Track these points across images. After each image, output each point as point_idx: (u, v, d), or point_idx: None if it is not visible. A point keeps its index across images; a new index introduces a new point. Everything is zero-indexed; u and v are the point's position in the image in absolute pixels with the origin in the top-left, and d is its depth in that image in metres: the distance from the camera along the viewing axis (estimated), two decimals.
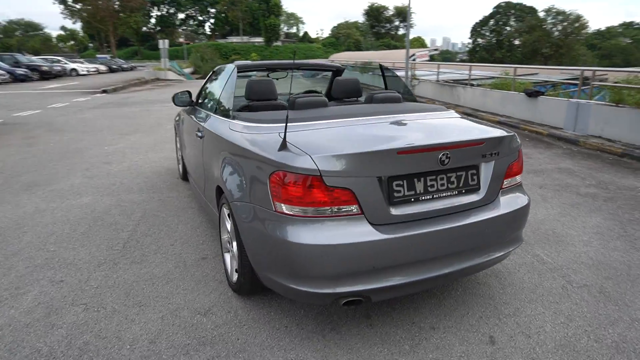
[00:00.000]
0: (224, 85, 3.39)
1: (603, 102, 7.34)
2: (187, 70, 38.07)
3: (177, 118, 5.11)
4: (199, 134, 3.45)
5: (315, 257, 2.03)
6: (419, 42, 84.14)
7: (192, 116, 4.00)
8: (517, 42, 52.39)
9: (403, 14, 75.61)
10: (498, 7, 54.01)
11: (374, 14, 78.86)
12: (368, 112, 2.75)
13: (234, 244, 2.66)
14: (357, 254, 2.05)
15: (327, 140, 2.29)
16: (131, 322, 2.50)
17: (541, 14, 50.32)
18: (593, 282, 2.91)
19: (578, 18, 47.60)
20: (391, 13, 79.19)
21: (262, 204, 2.20)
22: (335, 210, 2.05)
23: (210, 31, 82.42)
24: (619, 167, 5.91)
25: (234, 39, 72.05)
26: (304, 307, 2.64)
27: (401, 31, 79.52)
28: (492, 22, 54.02)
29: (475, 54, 54.44)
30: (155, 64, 33.12)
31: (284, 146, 2.14)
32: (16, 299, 2.74)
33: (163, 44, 26.84)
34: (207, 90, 4.05)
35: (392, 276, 2.13)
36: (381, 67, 4.18)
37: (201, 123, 3.48)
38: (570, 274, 3.00)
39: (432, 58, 34.98)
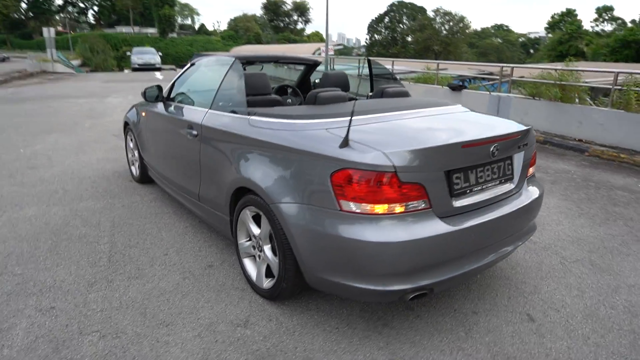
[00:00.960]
0: (223, 78, 3.14)
1: (522, 95, 8.20)
2: (75, 63, 34.44)
3: (133, 115, 4.62)
4: (192, 132, 3.15)
5: (387, 254, 2.00)
6: (319, 37, 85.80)
7: (170, 112, 3.65)
8: (409, 39, 56.04)
9: (301, 8, 76.38)
10: (392, 5, 57.17)
11: (272, 7, 78.46)
12: (395, 107, 2.75)
13: (266, 248, 2.51)
14: (428, 248, 2.05)
15: (383, 135, 2.26)
16: (167, 345, 2.23)
17: (431, 14, 54.43)
18: (582, 256, 3.26)
19: (462, 19, 52.41)
20: (289, 7, 79.49)
21: (321, 204, 2.10)
22: (406, 205, 2.03)
23: (94, 20, 75.28)
24: (546, 153, 6.67)
25: (123, 29, 66.70)
26: (344, 306, 2.58)
27: (299, 25, 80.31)
28: (387, 19, 57.06)
29: (373, 49, 57.15)
30: (35, 54, 29.37)
31: (346, 142, 2.06)
32: (4, 335, 2.28)
33: (49, 32, 23.93)
34: (190, 84, 3.72)
35: (455, 266, 2.17)
36: (369, 61, 4.19)
37: (193, 120, 3.19)
38: (561, 251, 3.33)
39: (337, 52, 35.95)
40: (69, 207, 4.08)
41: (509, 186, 2.48)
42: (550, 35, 46.87)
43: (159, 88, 3.83)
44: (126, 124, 4.80)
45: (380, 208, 2.00)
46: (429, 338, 2.31)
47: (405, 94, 3.32)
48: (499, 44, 74.00)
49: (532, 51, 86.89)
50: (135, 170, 4.77)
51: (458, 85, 9.44)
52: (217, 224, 3.06)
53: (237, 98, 2.92)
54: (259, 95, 3.04)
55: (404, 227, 2.02)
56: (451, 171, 2.16)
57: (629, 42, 30.35)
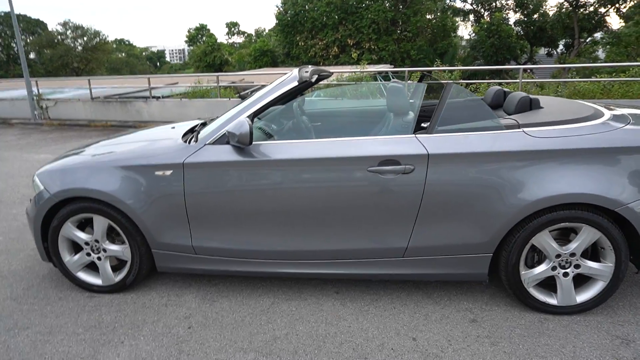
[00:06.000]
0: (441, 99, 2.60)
1: None
2: None
3: (112, 181, 2.77)
4: (405, 168, 2.43)
5: None
6: None
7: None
8: (32, 55, 48.02)
9: None
10: None
11: None
12: None
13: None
14: None
15: None
16: None
17: (58, 28, 48.22)
18: None
19: (98, 33, 48.90)
20: None
21: None
22: None
23: None
24: None
25: None
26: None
27: None
28: None
29: None
30: None
31: None
32: None
33: None
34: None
35: None
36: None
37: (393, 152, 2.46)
38: None
39: None
40: None
41: None
42: (192, 47, 50.60)
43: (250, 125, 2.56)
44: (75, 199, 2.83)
45: None
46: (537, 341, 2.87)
47: None
48: (127, 59, 73.09)
49: (158, 64, 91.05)
50: (134, 268, 2.90)
51: (250, 96, 9.52)
52: (455, 269, 2.57)
53: (479, 112, 2.50)
54: None
55: None
56: None
57: (265, 51, 36.96)
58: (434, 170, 2.47)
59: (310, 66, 3.10)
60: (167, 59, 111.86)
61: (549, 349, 2.28)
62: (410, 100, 3.10)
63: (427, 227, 2.55)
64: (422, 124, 2.67)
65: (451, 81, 3.06)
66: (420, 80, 3.79)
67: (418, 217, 2.53)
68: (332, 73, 3.90)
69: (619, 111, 2.78)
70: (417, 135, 2.54)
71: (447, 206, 2.51)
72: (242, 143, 2.53)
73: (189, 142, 2.84)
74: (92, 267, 3.02)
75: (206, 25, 48.99)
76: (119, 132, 4.32)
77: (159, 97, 10.89)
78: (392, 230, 2.59)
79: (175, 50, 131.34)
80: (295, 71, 2.88)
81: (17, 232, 4.07)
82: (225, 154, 2.64)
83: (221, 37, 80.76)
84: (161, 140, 3.03)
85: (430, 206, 2.51)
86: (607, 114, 2.67)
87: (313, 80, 2.83)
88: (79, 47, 48.32)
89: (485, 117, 2.60)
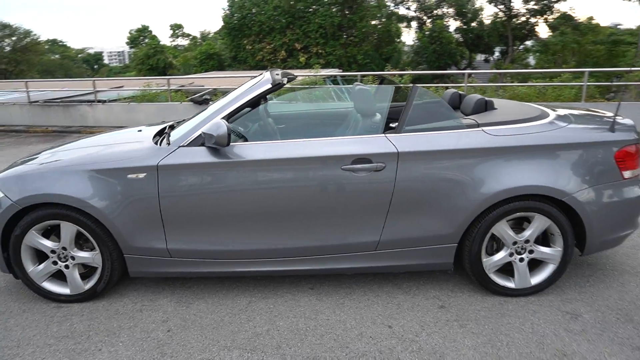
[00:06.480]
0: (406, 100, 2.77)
1: None
2: None
3: (71, 183, 2.71)
4: (377, 166, 2.59)
5: None
6: None
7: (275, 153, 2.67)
8: None
9: None
10: None
11: None
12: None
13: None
14: None
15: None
16: None
17: None
18: None
19: (28, 33, 45.85)
20: None
21: (609, 180, 2.66)
22: None
23: None
24: None
25: None
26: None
27: None
28: None
29: None
30: None
31: (613, 127, 2.71)
32: None
33: None
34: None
35: None
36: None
37: (368, 152, 2.61)
38: None
39: None
40: None
41: None
42: (133, 49, 48.59)
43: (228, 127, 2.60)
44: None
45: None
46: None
47: None
48: (62, 60, 69.14)
49: (96, 66, 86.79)
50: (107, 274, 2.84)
51: (204, 100, 9.43)
52: (423, 260, 2.77)
53: (442, 113, 2.70)
54: None
55: None
56: None
57: (211, 55, 36.30)
58: (403, 167, 2.64)
59: (278, 69, 3.19)
60: (106, 61, 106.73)
61: (511, 327, 2.51)
62: (379, 103, 3.27)
63: (398, 221, 2.71)
64: (390, 124, 2.83)
65: (418, 85, 3.26)
66: (380, 84, 3.98)
67: (389, 212, 2.69)
68: (297, 76, 4.01)
69: (561, 112, 3.09)
70: (387, 135, 2.70)
71: (416, 200, 2.68)
72: (219, 144, 2.56)
73: (160, 145, 2.83)
74: (57, 276, 2.91)
75: (148, 27, 47.25)
76: (69, 138, 4.16)
77: (104, 101, 10.48)
78: (365, 225, 2.72)
79: (114, 52, 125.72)
80: (267, 74, 2.95)
81: None
82: (201, 155, 2.66)
83: (165, 39, 78.23)
84: (131, 143, 2.98)
85: (400, 201, 2.67)
86: (552, 114, 2.96)
87: (285, 82, 2.92)
88: (7, 48, 45.19)
89: (447, 118, 2.81)
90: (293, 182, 2.67)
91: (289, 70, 3.74)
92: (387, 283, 3.01)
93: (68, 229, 2.75)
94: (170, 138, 2.87)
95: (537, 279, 2.82)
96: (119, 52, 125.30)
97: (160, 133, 3.19)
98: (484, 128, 2.72)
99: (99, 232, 2.73)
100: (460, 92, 3.64)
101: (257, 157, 2.65)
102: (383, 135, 2.70)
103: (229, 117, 2.76)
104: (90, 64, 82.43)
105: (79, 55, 79.66)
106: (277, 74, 2.95)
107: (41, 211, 2.72)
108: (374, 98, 3.13)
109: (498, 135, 2.69)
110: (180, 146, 2.71)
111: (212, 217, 2.70)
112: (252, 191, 2.67)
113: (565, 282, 2.96)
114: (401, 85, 3.95)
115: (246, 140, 2.97)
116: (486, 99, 3.20)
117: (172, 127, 3.28)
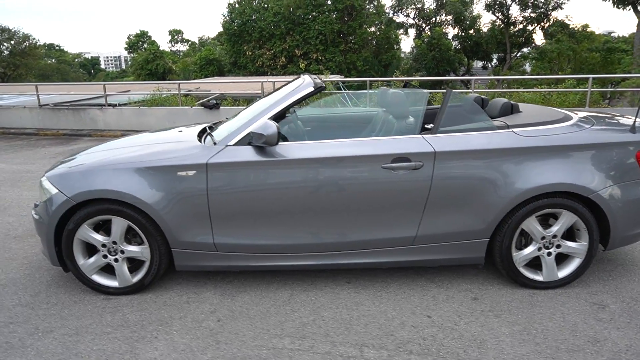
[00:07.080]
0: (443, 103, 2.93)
1: None
2: None
3: (131, 182, 2.84)
4: (415, 164, 2.74)
5: None
6: None
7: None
8: None
9: None
10: None
11: None
12: None
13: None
14: None
15: None
16: None
17: None
18: None
19: (27, 37, 45.87)
20: None
21: (631, 178, 2.83)
22: None
23: None
24: None
25: None
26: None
27: None
28: None
29: None
30: None
31: (634, 129, 2.88)
32: None
33: None
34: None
35: None
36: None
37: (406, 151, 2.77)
38: None
39: None
40: None
41: None
42: (131, 54, 48.75)
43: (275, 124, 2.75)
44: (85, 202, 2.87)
45: None
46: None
47: None
48: (58, 65, 69.01)
49: (93, 71, 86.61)
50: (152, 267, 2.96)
51: (215, 104, 9.57)
52: (456, 254, 2.91)
53: (474, 115, 2.87)
54: None
55: None
56: None
57: (211, 60, 36.49)
58: (440, 166, 2.80)
59: (312, 75, 3.35)
60: (102, 66, 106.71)
61: (543, 316, 2.67)
62: (412, 106, 3.43)
63: (434, 217, 2.87)
64: (425, 126, 3.00)
65: (450, 89, 3.44)
66: (404, 87, 4.16)
67: (426, 208, 2.84)
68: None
69: (583, 114, 3.27)
70: (423, 136, 2.86)
71: (451, 198, 2.84)
72: (268, 143, 2.72)
73: (204, 143, 2.97)
74: (105, 270, 3.04)
75: (147, 32, 47.43)
76: (81, 141, 4.30)
77: (115, 105, 10.59)
78: (403, 221, 2.88)
79: (111, 57, 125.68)
80: (307, 78, 3.11)
81: None
82: (248, 154, 2.81)
83: (164, 44, 78.30)
84: (178, 142, 3.13)
85: (436, 198, 2.83)
86: (575, 117, 3.14)
87: (325, 86, 3.08)
88: (6, 52, 45.20)
89: (479, 120, 2.97)
90: (336, 180, 2.82)
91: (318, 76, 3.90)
92: (419, 277, 3.16)
93: (119, 224, 2.88)
94: (214, 138, 3.02)
95: (564, 272, 2.98)
96: (115, 57, 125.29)
97: (201, 134, 3.33)
98: (514, 129, 2.89)
99: (149, 227, 2.86)
100: (483, 96, 3.82)
101: (303, 156, 2.80)
102: (420, 136, 2.87)
103: (274, 118, 2.92)
104: (87, 69, 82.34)
105: (76, 60, 79.56)
106: (316, 79, 3.11)
107: (94, 206, 2.86)
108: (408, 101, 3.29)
109: (527, 136, 2.86)
110: (227, 145, 2.86)
111: (258, 213, 2.85)
112: (296, 188, 2.82)
113: (589, 276, 3.13)
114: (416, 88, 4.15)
115: (286, 140, 3.12)
116: (512, 102, 3.38)
117: (211, 128, 3.43)
